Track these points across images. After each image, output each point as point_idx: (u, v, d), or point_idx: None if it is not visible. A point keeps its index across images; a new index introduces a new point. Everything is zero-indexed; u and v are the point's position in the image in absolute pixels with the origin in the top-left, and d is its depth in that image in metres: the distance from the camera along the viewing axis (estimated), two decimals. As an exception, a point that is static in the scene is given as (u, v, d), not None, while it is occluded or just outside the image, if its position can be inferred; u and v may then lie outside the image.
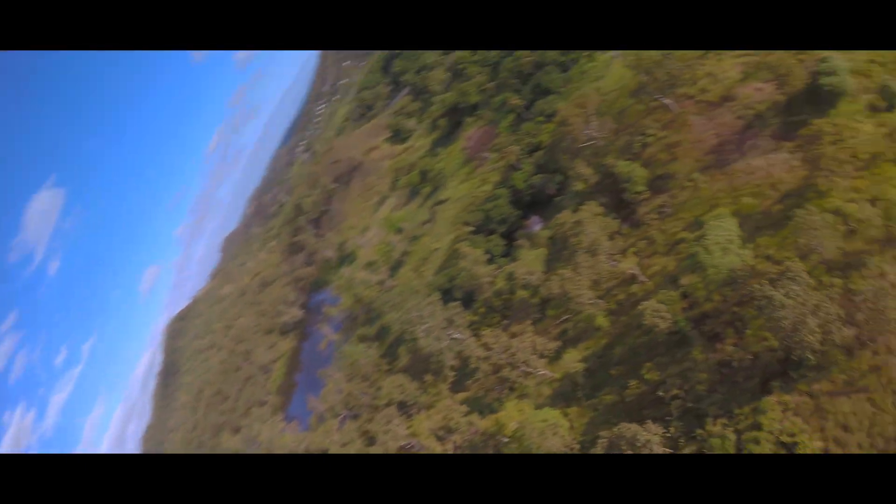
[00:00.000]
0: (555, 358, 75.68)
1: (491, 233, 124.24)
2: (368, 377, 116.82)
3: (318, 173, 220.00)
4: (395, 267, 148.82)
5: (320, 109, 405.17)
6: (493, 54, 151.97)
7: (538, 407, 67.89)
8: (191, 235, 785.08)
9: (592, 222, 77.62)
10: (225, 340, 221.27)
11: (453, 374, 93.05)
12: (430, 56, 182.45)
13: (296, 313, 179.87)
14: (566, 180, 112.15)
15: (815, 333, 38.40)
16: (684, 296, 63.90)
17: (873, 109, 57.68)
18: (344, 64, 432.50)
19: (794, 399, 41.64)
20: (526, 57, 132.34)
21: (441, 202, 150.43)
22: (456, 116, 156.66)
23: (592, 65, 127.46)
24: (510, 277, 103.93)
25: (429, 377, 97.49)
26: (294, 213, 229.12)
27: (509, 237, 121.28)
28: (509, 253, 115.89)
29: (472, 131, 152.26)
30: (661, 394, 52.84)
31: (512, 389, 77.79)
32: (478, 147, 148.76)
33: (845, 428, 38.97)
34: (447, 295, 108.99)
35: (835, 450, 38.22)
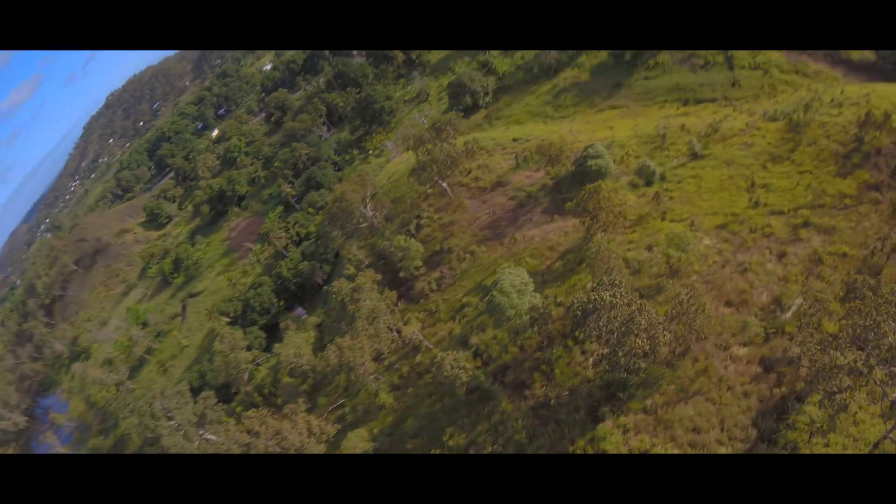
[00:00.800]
0: (335, 443, 60.04)
1: (251, 324, 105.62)
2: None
3: (60, 250, 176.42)
4: (137, 366, 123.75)
5: (73, 186, 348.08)
6: (266, 149, 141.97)
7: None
8: None
9: (371, 289, 68.19)
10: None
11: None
12: (202, 142, 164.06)
13: (17, 419, 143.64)
14: (336, 268, 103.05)
15: (643, 337, 33.85)
16: (476, 355, 56.80)
17: (633, 186, 62.33)
18: (109, 141, 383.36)
19: (631, 419, 35.80)
20: (303, 150, 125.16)
21: (195, 294, 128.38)
22: (221, 205, 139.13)
23: (366, 166, 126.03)
24: (275, 366, 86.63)
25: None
26: (25, 296, 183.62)
27: (271, 331, 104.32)
28: (270, 347, 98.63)
29: (237, 221, 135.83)
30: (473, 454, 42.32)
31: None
32: (242, 237, 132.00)
33: (696, 430, 34.32)
34: (199, 393, 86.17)
35: (694, 452, 32.61)
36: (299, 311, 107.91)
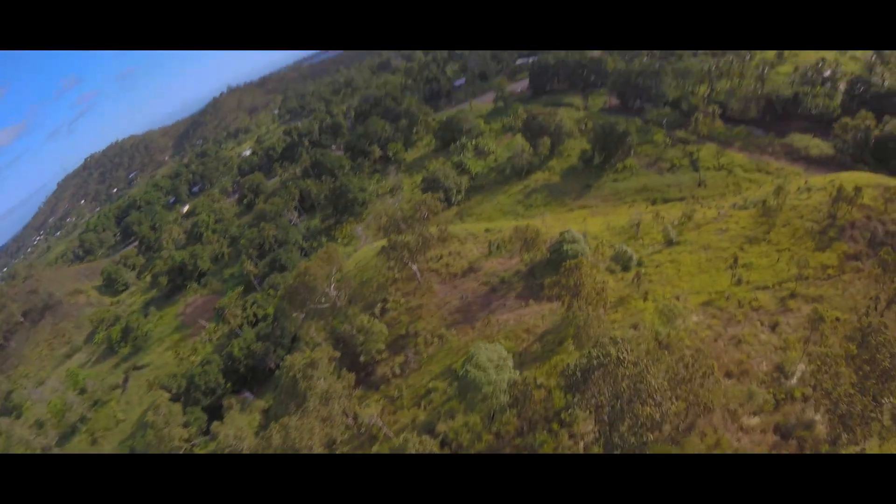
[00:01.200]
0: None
1: (194, 403, 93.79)
2: None
3: (9, 298, 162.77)
4: (68, 433, 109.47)
5: (37, 240, 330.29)
6: (234, 229, 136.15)
7: None
8: None
9: (327, 368, 60.60)
10: None
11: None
12: (172, 215, 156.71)
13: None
14: (291, 353, 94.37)
15: (651, 404, 28.15)
16: (444, 444, 49.02)
17: (610, 271, 59.33)
18: (80, 201, 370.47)
19: None
20: (271, 231, 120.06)
21: (140, 367, 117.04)
22: (181, 279, 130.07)
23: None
24: (212, 452, 74.92)
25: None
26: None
27: (214, 413, 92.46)
28: (209, 431, 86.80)
29: (194, 298, 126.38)
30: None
31: None
32: (197, 314, 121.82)
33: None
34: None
35: None
36: (247, 394, 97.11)
